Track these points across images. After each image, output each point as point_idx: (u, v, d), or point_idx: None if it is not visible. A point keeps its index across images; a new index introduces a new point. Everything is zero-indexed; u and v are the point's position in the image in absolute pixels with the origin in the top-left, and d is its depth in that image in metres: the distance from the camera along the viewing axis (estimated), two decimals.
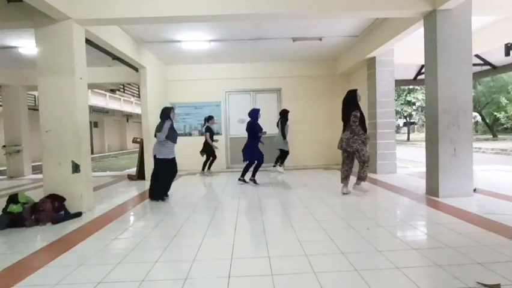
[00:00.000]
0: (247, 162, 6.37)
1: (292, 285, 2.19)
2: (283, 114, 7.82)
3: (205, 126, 7.73)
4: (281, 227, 3.52)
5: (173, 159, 5.02)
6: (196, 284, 2.24)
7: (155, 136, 4.90)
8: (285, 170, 7.96)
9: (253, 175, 6.34)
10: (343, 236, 3.13)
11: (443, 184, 4.53)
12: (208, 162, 7.90)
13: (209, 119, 7.72)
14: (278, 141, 7.77)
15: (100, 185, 6.79)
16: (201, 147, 7.76)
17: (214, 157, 7.89)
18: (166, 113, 4.95)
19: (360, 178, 4.91)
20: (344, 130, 4.96)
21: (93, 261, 2.71)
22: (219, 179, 7.35)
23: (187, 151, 8.33)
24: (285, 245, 2.95)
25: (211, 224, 3.74)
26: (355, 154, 4.84)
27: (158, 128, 4.85)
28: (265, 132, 6.48)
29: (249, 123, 6.39)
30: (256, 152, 6.26)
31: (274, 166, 8.01)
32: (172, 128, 4.93)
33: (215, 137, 7.93)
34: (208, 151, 7.78)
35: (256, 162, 6.28)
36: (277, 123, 7.91)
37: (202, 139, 7.76)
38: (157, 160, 4.89)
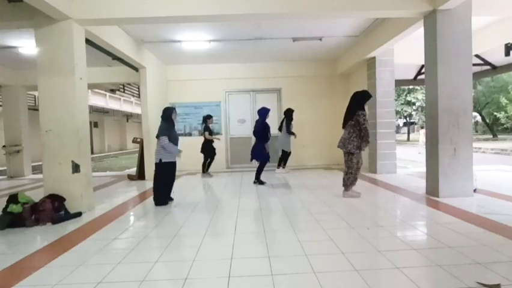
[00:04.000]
0: (259, 163, 6.27)
1: (292, 285, 2.19)
2: (288, 114, 7.70)
3: (203, 126, 7.56)
4: (281, 227, 3.52)
5: (175, 162, 4.88)
6: (196, 284, 2.24)
7: (157, 137, 4.68)
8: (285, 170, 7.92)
9: (257, 176, 6.29)
10: (343, 236, 3.13)
11: (443, 184, 4.53)
12: (207, 163, 7.69)
13: (207, 118, 7.50)
14: (281, 141, 7.66)
15: (100, 185, 6.79)
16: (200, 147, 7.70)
17: (212, 158, 7.70)
18: (168, 114, 4.78)
19: (345, 185, 4.75)
20: (343, 128, 4.76)
21: (93, 261, 2.71)
22: (219, 179, 7.34)
23: (186, 151, 8.27)
24: (285, 245, 2.95)
25: (211, 224, 3.74)
26: (345, 156, 4.68)
27: (160, 130, 4.66)
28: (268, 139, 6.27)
29: (257, 122, 6.24)
30: (264, 152, 6.15)
31: (278, 168, 7.86)
32: (173, 130, 4.79)
33: (215, 136, 7.80)
34: (206, 152, 7.59)
35: (260, 162, 6.21)
36: (281, 123, 7.77)
37: (202, 139, 7.68)
38: (162, 164, 4.68)
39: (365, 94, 4.76)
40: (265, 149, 6.17)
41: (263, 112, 6.25)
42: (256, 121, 6.32)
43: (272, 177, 7.12)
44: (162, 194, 4.78)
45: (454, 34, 4.51)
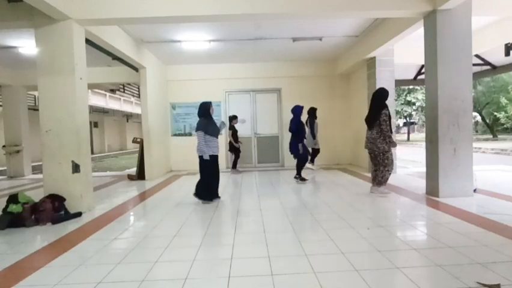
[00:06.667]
0: (296, 159, 6.34)
1: (292, 285, 2.19)
2: (312, 113, 7.75)
3: (228, 126, 7.82)
4: (281, 227, 3.52)
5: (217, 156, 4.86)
6: (196, 284, 2.24)
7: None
8: (287, 170, 7.92)
9: (298, 172, 6.32)
10: (343, 236, 3.13)
11: (443, 184, 4.53)
12: (233, 161, 8.03)
13: (233, 118, 7.71)
14: (308, 140, 7.64)
15: (100, 185, 6.79)
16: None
17: (238, 155, 8.04)
18: (206, 108, 4.75)
19: (380, 183, 4.83)
20: (369, 129, 4.82)
21: (93, 261, 2.71)
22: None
23: (186, 151, 8.32)
24: (285, 245, 2.95)
25: (211, 223, 3.74)
26: (379, 156, 4.71)
27: (197, 126, 4.68)
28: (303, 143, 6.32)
29: (291, 121, 6.29)
30: (299, 151, 6.17)
31: (309, 163, 7.88)
32: (210, 124, 4.75)
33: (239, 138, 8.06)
34: (234, 150, 7.92)
35: (297, 159, 6.28)
36: (306, 122, 7.73)
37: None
38: (210, 157, 4.67)
39: (382, 92, 4.81)
40: (302, 147, 6.18)
41: (297, 110, 6.26)
42: (291, 120, 6.34)
43: (271, 178, 7.13)
44: (208, 189, 4.78)
45: (454, 34, 4.50)
